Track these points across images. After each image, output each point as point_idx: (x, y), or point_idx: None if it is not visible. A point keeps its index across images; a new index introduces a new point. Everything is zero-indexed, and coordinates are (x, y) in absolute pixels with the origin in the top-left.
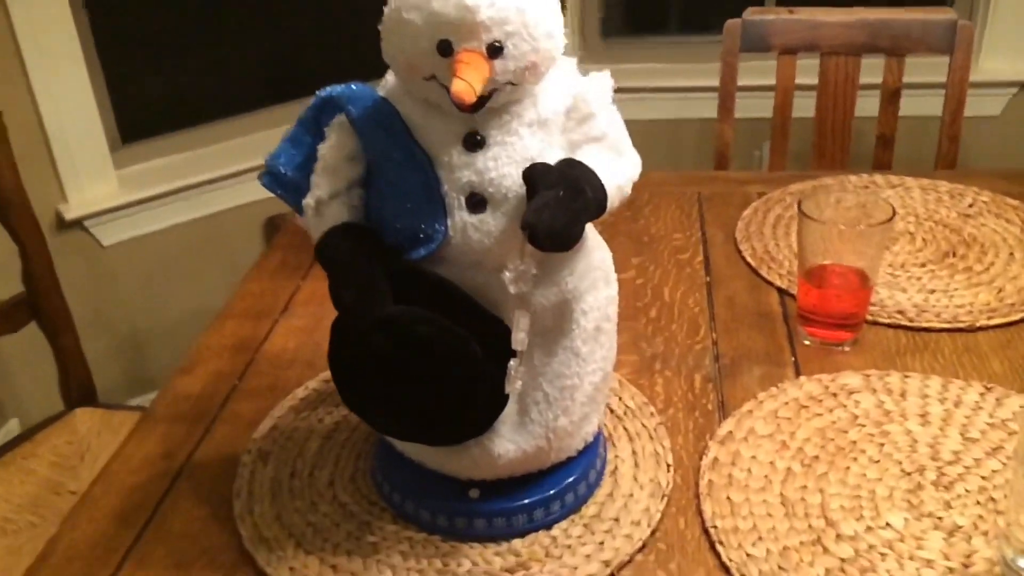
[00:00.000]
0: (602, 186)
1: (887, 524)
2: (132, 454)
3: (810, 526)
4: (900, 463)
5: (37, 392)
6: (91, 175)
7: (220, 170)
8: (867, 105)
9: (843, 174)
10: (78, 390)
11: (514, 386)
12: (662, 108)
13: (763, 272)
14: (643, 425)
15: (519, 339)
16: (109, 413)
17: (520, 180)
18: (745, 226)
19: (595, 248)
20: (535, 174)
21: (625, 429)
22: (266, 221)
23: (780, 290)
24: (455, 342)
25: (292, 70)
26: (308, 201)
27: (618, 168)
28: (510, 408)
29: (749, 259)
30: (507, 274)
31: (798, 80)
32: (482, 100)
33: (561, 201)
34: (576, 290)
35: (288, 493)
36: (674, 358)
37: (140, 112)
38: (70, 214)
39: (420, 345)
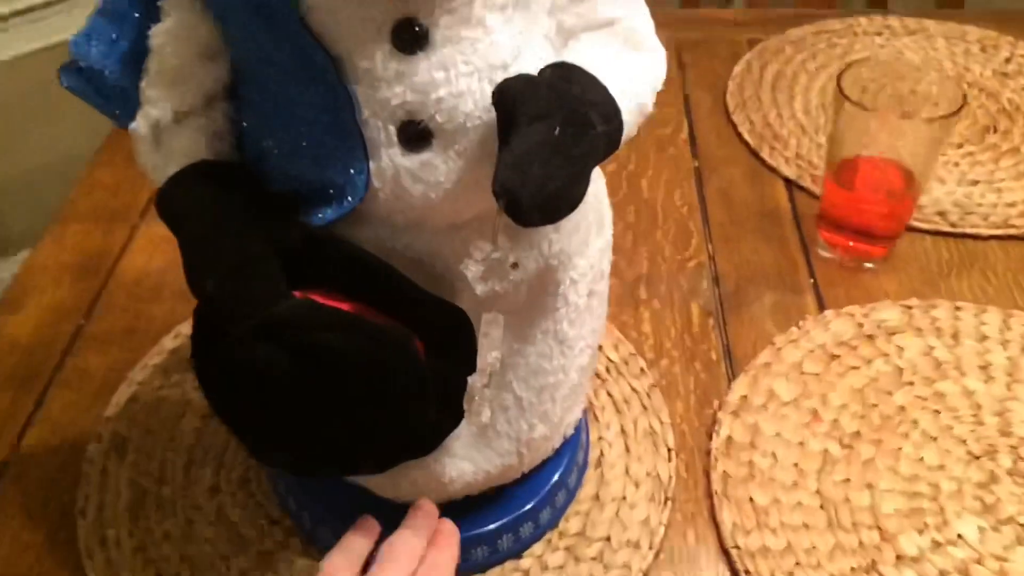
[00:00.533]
0: (616, 107)
1: (958, 536)
2: None
3: (861, 543)
4: (964, 441)
5: None
6: None
7: None
8: None
9: (847, 14)
10: None
11: (479, 416)
12: None
13: (764, 155)
14: (632, 389)
15: (490, 357)
16: None
17: (484, 98)
18: (737, 87)
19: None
20: (513, 95)
21: (610, 395)
22: None
23: (787, 180)
24: (383, 351)
25: None
26: (138, 125)
27: (637, 72)
28: (473, 421)
29: (746, 136)
30: (470, 266)
31: None
32: None
33: (556, 144)
34: (563, 252)
35: (154, 507)
36: (662, 281)
37: None
38: None
39: (328, 359)
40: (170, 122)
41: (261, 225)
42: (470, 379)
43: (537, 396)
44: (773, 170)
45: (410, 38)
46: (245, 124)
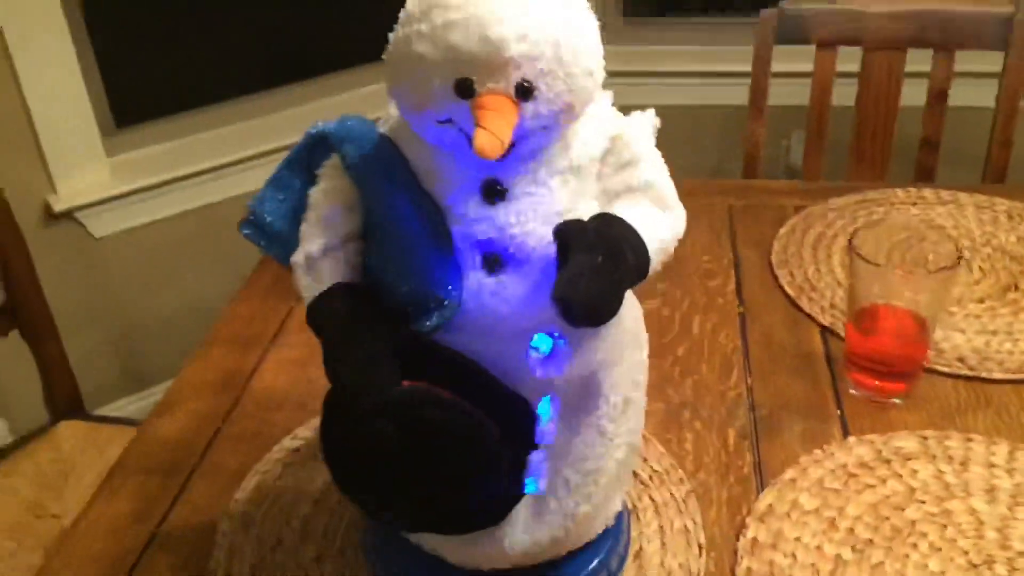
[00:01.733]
0: (645, 248)
1: None
2: (100, 515)
3: None
4: (966, 552)
5: (24, 398)
6: (81, 163)
7: (219, 158)
8: (910, 99)
9: (887, 187)
10: (63, 400)
11: (539, 484)
12: (685, 93)
13: (803, 304)
14: (671, 494)
15: (546, 430)
16: (95, 428)
17: (546, 237)
18: (782, 247)
19: (628, 311)
20: (569, 234)
21: (652, 499)
22: None
23: (823, 327)
24: (471, 428)
25: (294, 50)
26: (297, 258)
27: (662, 225)
28: (527, 499)
29: (787, 287)
30: (533, 355)
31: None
32: (506, 151)
33: (599, 269)
34: (604, 362)
35: (270, 568)
36: (705, 407)
37: (134, 96)
38: (59, 205)
39: (430, 432)
40: (320, 255)
41: (381, 331)
42: (532, 457)
43: (583, 479)
44: (810, 317)
45: (494, 193)
46: (370, 257)
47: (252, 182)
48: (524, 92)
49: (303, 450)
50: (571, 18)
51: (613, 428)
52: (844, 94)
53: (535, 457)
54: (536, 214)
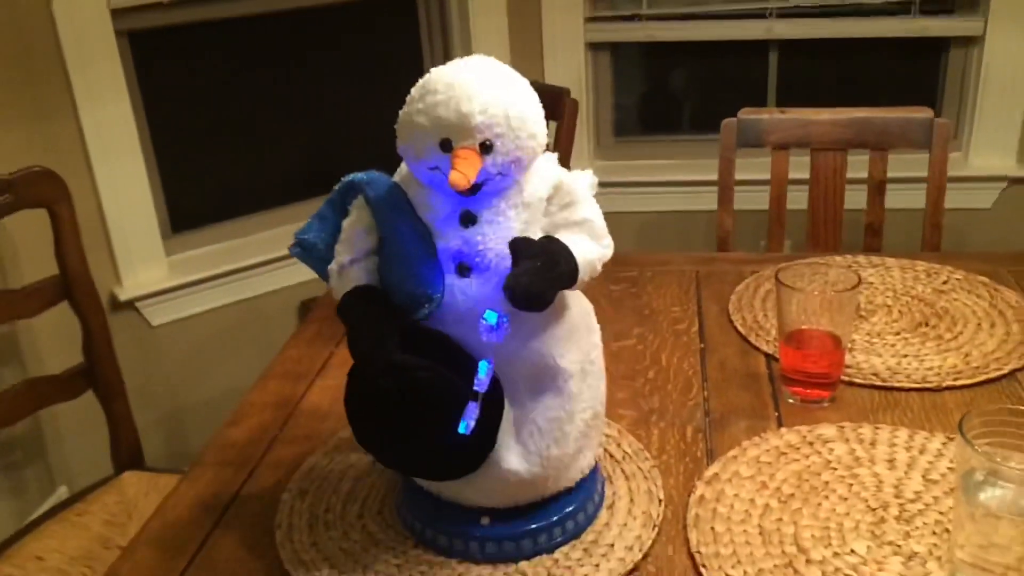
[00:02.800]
0: (575, 262)
1: (852, 551)
2: (185, 493)
3: (783, 552)
4: (866, 500)
5: (86, 459)
6: (144, 260)
7: (260, 257)
8: (857, 198)
9: (831, 255)
10: (127, 454)
11: (468, 424)
12: (672, 201)
13: (752, 339)
14: (639, 468)
15: (482, 380)
16: (155, 476)
17: (503, 251)
18: (738, 299)
19: (572, 305)
20: (519, 245)
21: (623, 471)
22: (300, 304)
23: (767, 355)
24: (447, 385)
25: (327, 166)
26: (332, 266)
27: (591, 249)
28: (511, 440)
29: (740, 328)
30: (482, 323)
31: (795, 175)
32: (476, 187)
33: (539, 270)
34: (555, 344)
35: (323, 524)
36: (669, 413)
37: (189, 203)
38: (123, 296)
39: (420, 387)
40: (348, 264)
41: (388, 319)
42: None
43: (548, 424)
44: (757, 348)
45: (467, 219)
46: (382, 266)
47: (287, 279)
48: (486, 148)
49: (344, 446)
50: (518, 99)
51: (575, 388)
52: (804, 199)
53: (469, 408)
54: (497, 235)
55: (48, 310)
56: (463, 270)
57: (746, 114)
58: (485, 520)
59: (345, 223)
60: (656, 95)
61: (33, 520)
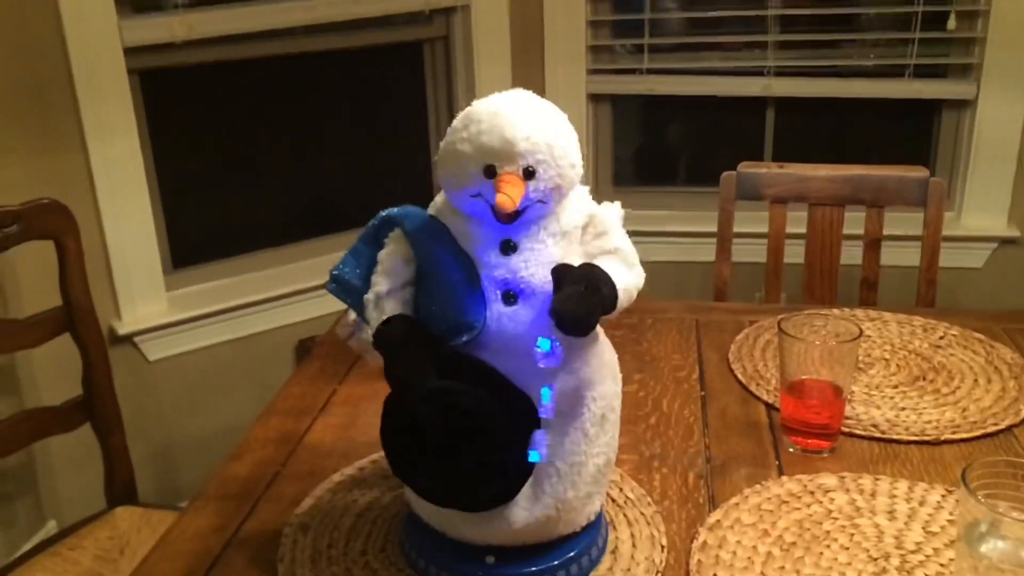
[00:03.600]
0: (615, 287)
1: None
2: (188, 526)
3: None
4: (868, 551)
5: (76, 494)
6: (144, 295)
7: (259, 295)
8: (853, 253)
9: (828, 308)
10: (121, 489)
11: (541, 454)
12: (668, 252)
13: (752, 388)
14: (641, 513)
15: (547, 407)
16: (148, 512)
17: (545, 278)
18: (737, 349)
19: (606, 349)
20: (562, 272)
21: (625, 515)
22: (298, 343)
23: (767, 404)
24: (489, 413)
25: (324, 207)
26: (369, 296)
27: (627, 276)
28: (527, 481)
29: (740, 377)
30: (537, 351)
31: (792, 230)
32: (517, 213)
33: (583, 295)
34: (588, 380)
35: (326, 560)
36: (670, 458)
37: (191, 240)
38: (122, 330)
39: (460, 414)
40: (385, 295)
41: (426, 346)
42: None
43: (569, 469)
44: (757, 398)
45: (508, 247)
46: (420, 296)
47: (285, 318)
48: (529, 174)
49: (348, 482)
50: (559, 130)
51: (594, 433)
52: (801, 253)
53: (537, 435)
54: (538, 262)
55: (48, 342)
56: (509, 297)
57: (745, 168)
58: (490, 559)
59: (382, 254)
60: (654, 147)
61: (23, 554)
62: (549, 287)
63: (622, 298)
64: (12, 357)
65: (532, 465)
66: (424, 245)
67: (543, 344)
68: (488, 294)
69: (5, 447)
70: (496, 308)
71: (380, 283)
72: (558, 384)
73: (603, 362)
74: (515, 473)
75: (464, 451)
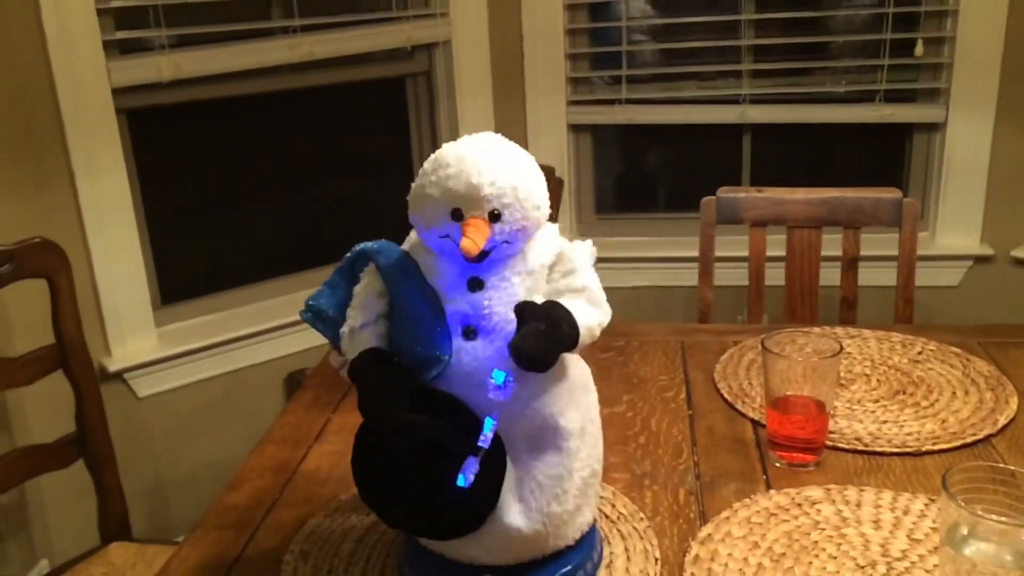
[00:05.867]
0: (576, 325)
1: None
2: (188, 556)
3: None
4: (855, 559)
5: (69, 531)
6: (134, 331)
7: (248, 329)
8: (831, 275)
9: (810, 327)
10: (115, 524)
11: (467, 477)
12: (651, 276)
13: (738, 406)
14: (634, 528)
15: (487, 437)
16: (143, 547)
17: (507, 315)
18: (723, 368)
19: (571, 366)
20: (524, 308)
21: (619, 531)
22: (287, 376)
23: (753, 421)
24: (456, 444)
25: (311, 242)
26: (344, 329)
27: (591, 314)
28: (512, 497)
29: (726, 395)
30: (490, 382)
31: (772, 252)
32: (484, 253)
33: (543, 333)
34: (556, 405)
35: None
36: (661, 476)
37: (178, 276)
38: (112, 367)
39: (429, 445)
40: (359, 328)
41: (399, 380)
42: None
43: (549, 481)
44: (743, 415)
45: (475, 285)
46: (392, 329)
47: (274, 351)
48: (494, 217)
49: (345, 508)
50: (525, 173)
51: (575, 446)
52: (781, 275)
53: (468, 462)
54: (502, 300)
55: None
56: (469, 333)
57: (725, 192)
58: None
59: (357, 288)
60: (634, 175)
61: None
62: (511, 324)
63: (584, 336)
64: (3, 395)
65: (495, 495)
66: (395, 280)
67: (497, 376)
68: (452, 329)
69: (1, 484)
70: (457, 342)
71: (355, 317)
72: (522, 411)
73: (571, 380)
74: (478, 504)
75: (431, 482)
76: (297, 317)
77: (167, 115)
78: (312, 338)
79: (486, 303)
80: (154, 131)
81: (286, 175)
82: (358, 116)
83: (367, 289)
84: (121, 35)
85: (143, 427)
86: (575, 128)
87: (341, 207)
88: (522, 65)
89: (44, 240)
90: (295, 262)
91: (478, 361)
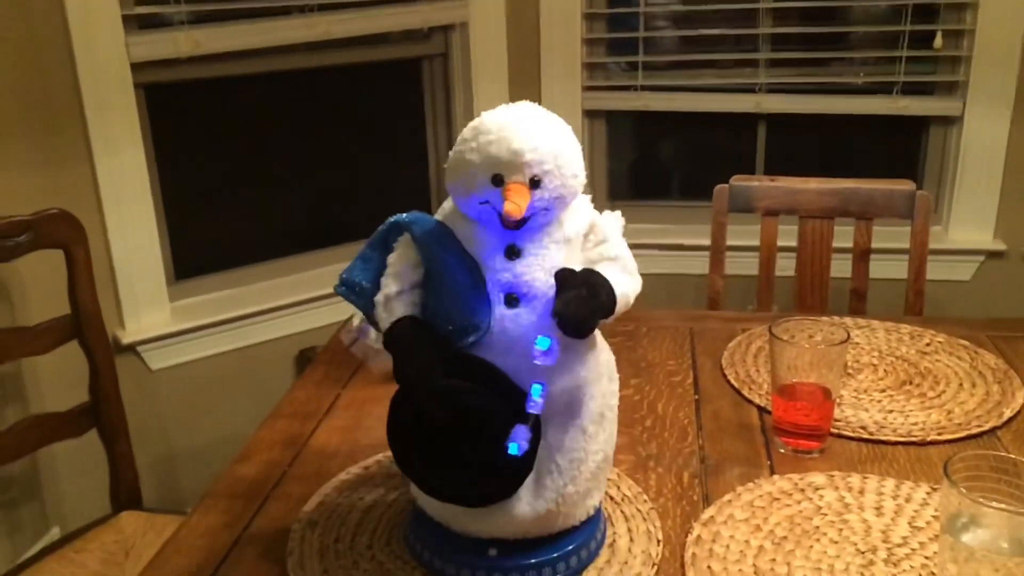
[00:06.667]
0: (613, 292)
1: None
2: (197, 523)
3: None
4: (856, 544)
5: (80, 500)
6: (148, 305)
7: (261, 305)
8: (842, 267)
9: (818, 317)
10: (126, 494)
11: (520, 445)
12: (661, 264)
13: (745, 392)
14: (638, 510)
15: (536, 403)
16: (153, 516)
17: (547, 282)
18: (730, 355)
19: (603, 350)
20: (564, 275)
21: (623, 512)
22: (299, 353)
23: (759, 408)
24: (494, 407)
25: (324, 221)
26: (379, 297)
27: (626, 282)
28: (530, 475)
29: (733, 382)
30: (536, 349)
31: (783, 243)
32: (523, 220)
33: (584, 299)
34: (586, 379)
35: (333, 554)
36: (666, 459)
37: (193, 251)
38: (126, 339)
39: (466, 409)
40: (394, 296)
41: (434, 346)
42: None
43: (569, 464)
44: (750, 401)
45: (513, 252)
46: (428, 298)
47: (285, 328)
48: (534, 183)
49: (353, 481)
50: (564, 141)
51: (593, 430)
52: (791, 266)
53: (518, 429)
54: (540, 267)
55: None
56: (511, 300)
57: (738, 180)
58: (493, 552)
59: (391, 258)
60: (648, 162)
61: (28, 558)
62: (550, 291)
63: (620, 303)
64: (18, 364)
65: (531, 463)
66: (431, 249)
67: (542, 343)
68: (492, 296)
69: (15, 451)
70: (499, 310)
71: (390, 285)
72: (558, 384)
73: (600, 363)
74: (514, 470)
75: (468, 448)
76: (309, 295)
77: (185, 91)
78: (323, 317)
79: (526, 270)
80: (171, 107)
81: (301, 154)
82: (374, 97)
83: (402, 259)
84: (140, 10)
85: (155, 400)
86: (590, 114)
87: (355, 186)
88: (539, 49)
89: (62, 211)
90: (308, 240)
91: (521, 328)
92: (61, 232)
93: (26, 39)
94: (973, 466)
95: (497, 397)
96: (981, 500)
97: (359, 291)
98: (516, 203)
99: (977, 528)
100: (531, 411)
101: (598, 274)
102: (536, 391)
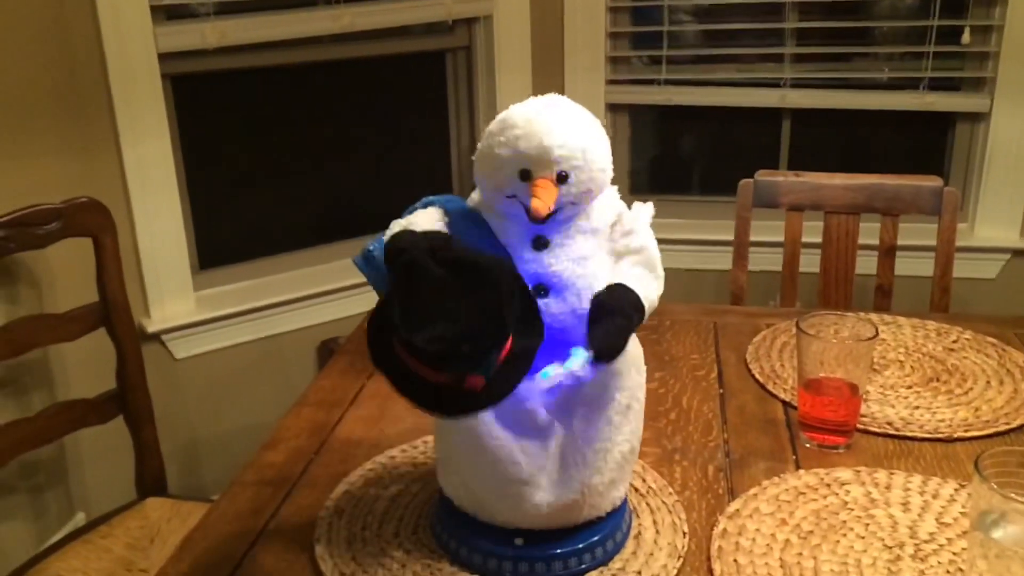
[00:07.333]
0: (642, 308)
1: None
2: (226, 509)
3: None
4: (883, 540)
5: (105, 486)
6: (173, 294)
7: (285, 296)
8: (867, 263)
9: (843, 313)
10: (152, 480)
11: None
12: (682, 259)
13: (770, 387)
14: (663, 502)
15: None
16: (178, 503)
17: (575, 271)
18: (755, 350)
19: (634, 345)
20: (601, 301)
21: (648, 504)
22: (320, 344)
23: (784, 402)
24: (493, 264)
25: (348, 211)
26: (400, 221)
27: (652, 288)
28: (553, 465)
29: (758, 376)
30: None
31: (807, 239)
32: (550, 214)
33: (620, 329)
34: (615, 371)
35: (361, 541)
36: (691, 452)
37: (218, 241)
38: (151, 328)
39: (464, 265)
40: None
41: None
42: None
43: (595, 455)
44: (774, 396)
45: (540, 244)
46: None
47: (308, 318)
48: (562, 179)
49: (380, 470)
50: (592, 136)
51: (619, 421)
52: (815, 262)
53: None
54: (568, 257)
55: (83, 336)
56: (541, 290)
57: (763, 175)
58: (519, 541)
59: (414, 216)
60: (670, 156)
61: (54, 543)
62: (580, 280)
63: (648, 314)
64: (46, 351)
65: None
66: (464, 227)
67: (577, 355)
68: None
69: (42, 437)
70: None
71: (414, 227)
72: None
73: (628, 354)
74: (493, 388)
75: (469, 304)
76: (332, 286)
77: (211, 82)
78: (346, 308)
79: (553, 261)
80: (198, 97)
81: (325, 145)
82: (397, 89)
83: (427, 216)
84: (168, 1)
85: (178, 388)
86: (613, 107)
87: (378, 178)
88: (562, 42)
89: (91, 200)
90: (332, 231)
91: (551, 318)
92: (90, 221)
93: (56, 29)
94: (1003, 462)
95: (494, 254)
96: (1013, 496)
97: (376, 265)
98: (543, 199)
99: (1007, 524)
100: (583, 378)
101: (629, 292)
102: (576, 354)
